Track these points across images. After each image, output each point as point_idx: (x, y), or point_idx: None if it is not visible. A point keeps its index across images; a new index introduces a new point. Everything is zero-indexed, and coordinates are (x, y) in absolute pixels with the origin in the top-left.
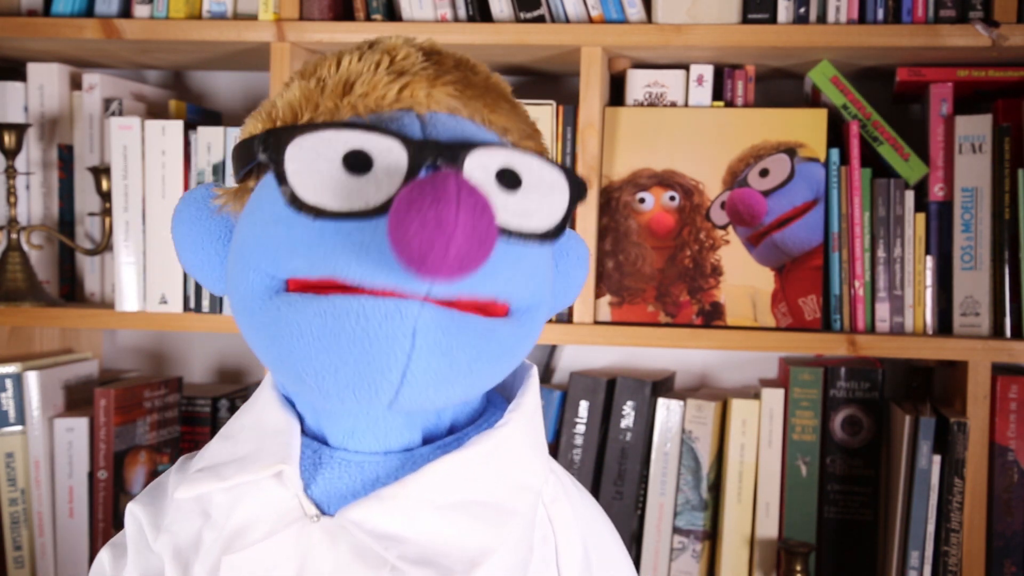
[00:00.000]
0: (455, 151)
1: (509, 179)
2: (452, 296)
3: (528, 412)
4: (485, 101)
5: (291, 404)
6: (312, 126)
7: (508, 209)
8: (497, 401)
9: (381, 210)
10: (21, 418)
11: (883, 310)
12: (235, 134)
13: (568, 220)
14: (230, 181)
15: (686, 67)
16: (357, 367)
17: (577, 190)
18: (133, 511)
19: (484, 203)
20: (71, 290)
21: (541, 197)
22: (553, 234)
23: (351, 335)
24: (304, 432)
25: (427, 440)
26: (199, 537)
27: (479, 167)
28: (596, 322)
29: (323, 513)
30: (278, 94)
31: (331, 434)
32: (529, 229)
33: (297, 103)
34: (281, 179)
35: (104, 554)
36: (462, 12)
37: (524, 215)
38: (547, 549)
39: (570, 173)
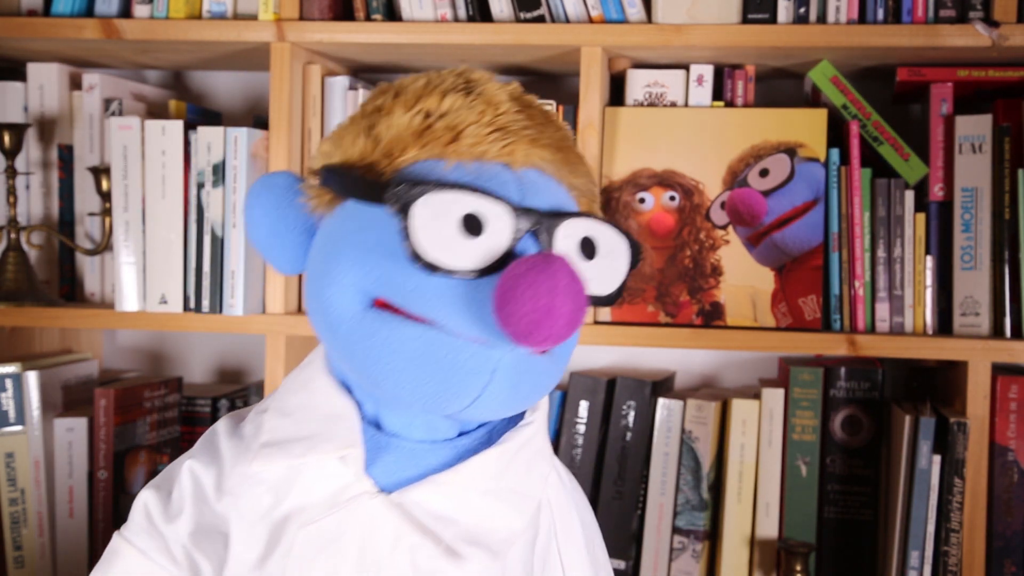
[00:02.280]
0: (550, 221)
1: (588, 248)
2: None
3: (543, 414)
4: (569, 161)
5: (347, 388)
6: (438, 185)
7: (584, 275)
8: None
9: (485, 272)
10: (21, 418)
11: (883, 310)
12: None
13: (627, 280)
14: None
15: (686, 67)
16: (437, 388)
17: (636, 257)
18: (194, 468)
19: (581, 287)
20: (71, 290)
21: (609, 264)
22: (614, 298)
23: (440, 362)
24: (360, 416)
25: (462, 433)
26: (263, 505)
27: (567, 236)
28: (596, 322)
29: (380, 492)
30: (375, 111)
31: (387, 422)
32: (597, 294)
33: (404, 136)
34: (405, 233)
35: (148, 495)
36: (462, 12)
37: (596, 282)
38: (547, 524)
39: (630, 236)
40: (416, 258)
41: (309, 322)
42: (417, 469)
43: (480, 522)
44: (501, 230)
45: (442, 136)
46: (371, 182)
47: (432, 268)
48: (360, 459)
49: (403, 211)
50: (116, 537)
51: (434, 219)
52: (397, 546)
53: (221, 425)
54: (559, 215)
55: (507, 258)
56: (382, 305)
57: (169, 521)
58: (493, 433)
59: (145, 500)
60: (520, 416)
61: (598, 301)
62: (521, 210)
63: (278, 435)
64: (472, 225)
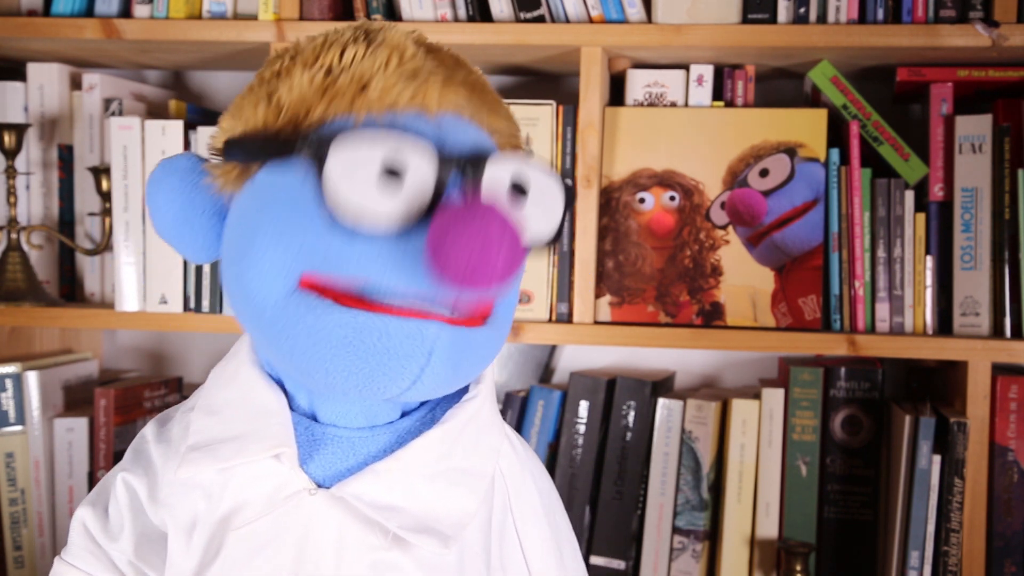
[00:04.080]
0: (475, 164)
1: (517, 191)
2: (472, 308)
3: (488, 383)
4: (487, 103)
5: (276, 381)
6: (352, 134)
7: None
8: None
9: (414, 224)
10: (21, 418)
11: (883, 310)
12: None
13: (563, 225)
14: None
15: (686, 67)
16: (372, 374)
17: (570, 196)
18: (127, 480)
19: (515, 229)
20: (71, 290)
21: (543, 205)
22: (553, 241)
23: (371, 349)
24: (292, 408)
25: (404, 414)
26: (198, 512)
27: (494, 179)
28: (596, 322)
29: (319, 487)
30: (273, 76)
31: (322, 413)
32: (533, 235)
33: (307, 94)
34: (321, 192)
35: (85, 512)
36: (462, 12)
37: (531, 224)
38: (502, 497)
39: (562, 180)
40: (336, 217)
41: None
42: (357, 459)
43: (429, 507)
44: (424, 177)
45: (348, 90)
46: (278, 145)
47: (355, 225)
48: (293, 456)
49: (317, 169)
50: (57, 562)
51: (350, 172)
52: (341, 543)
53: (149, 430)
54: (483, 157)
55: (434, 207)
56: (308, 286)
57: (112, 540)
58: (436, 410)
59: (83, 518)
60: (465, 389)
61: (536, 244)
62: (443, 158)
63: (205, 436)
64: (392, 174)
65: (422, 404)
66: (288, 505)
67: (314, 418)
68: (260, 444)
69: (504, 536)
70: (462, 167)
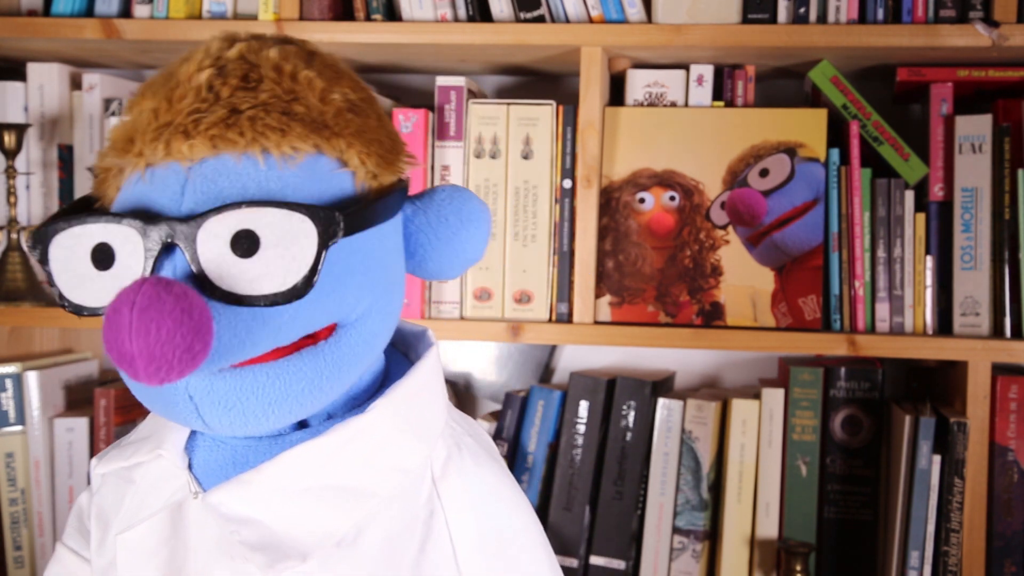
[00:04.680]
0: (187, 228)
1: (247, 242)
2: (225, 364)
3: (400, 397)
4: (253, 132)
5: None
6: (64, 222)
7: (246, 275)
8: (399, 371)
9: None
10: (21, 418)
11: (883, 310)
12: None
13: (320, 263)
14: None
15: (686, 67)
16: (175, 419)
17: (327, 229)
18: (95, 466)
19: (160, 314)
20: None
21: (284, 251)
22: (301, 290)
23: (160, 402)
24: None
25: (303, 425)
26: (121, 504)
27: (212, 237)
28: (596, 322)
29: (203, 490)
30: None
31: None
32: (268, 293)
33: (107, 152)
34: (50, 281)
35: (83, 497)
36: (462, 12)
37: (261, 280)
38: (437, 524)
39: (316, 212)
40: (62, 301)
41: None
42: (235, 468)
43: (285, 525)
44: (132, 254)
45: (122, 147)
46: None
47: (77, 310)
48: (175, 458)
49: (44, 262)
50: (58, 545)
51: (67, 260)
52: (213, 549)
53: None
54: (197, 217)
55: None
56: None
57: (90, 519)
58: (332, 425)
59: (79, 502)
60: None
61: (278, 298)
62: (149, 228)
63: (134, 436)
64: (104, 257)
65: (330, 418)
66: (177, 507)
67: None
68: (150, 444)
69: (432, 565)
70: (171, 234)
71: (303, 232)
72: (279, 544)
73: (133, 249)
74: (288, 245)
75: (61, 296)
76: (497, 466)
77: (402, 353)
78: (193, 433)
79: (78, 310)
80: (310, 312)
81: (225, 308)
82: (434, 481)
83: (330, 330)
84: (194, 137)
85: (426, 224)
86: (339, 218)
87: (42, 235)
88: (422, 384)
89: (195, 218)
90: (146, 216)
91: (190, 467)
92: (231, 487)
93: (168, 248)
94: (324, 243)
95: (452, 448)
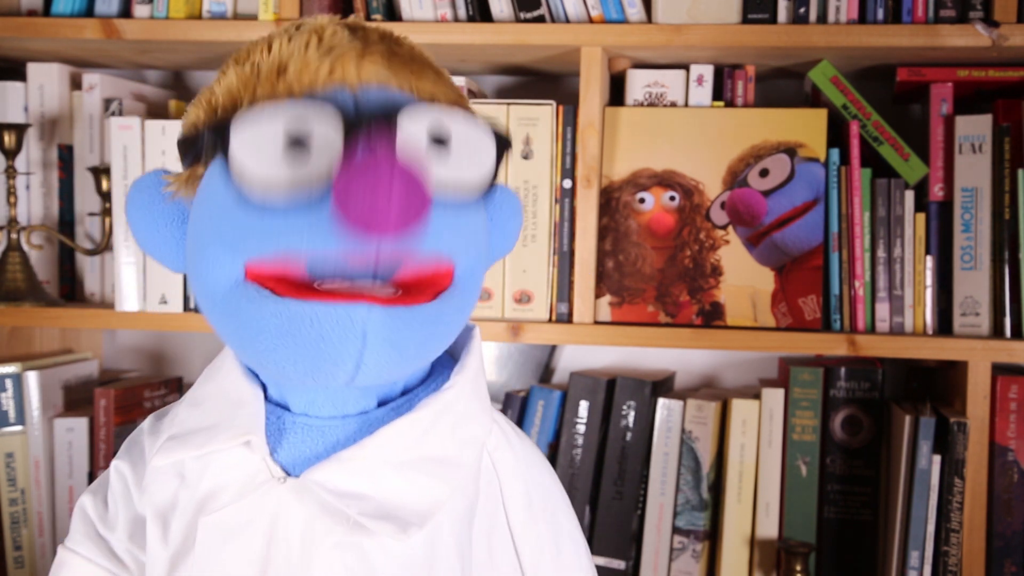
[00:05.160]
0: (385, 118)
1: (439, 140)
2: (399, 266)
3: (471, 373)
4: (412, 69)
5: (254, 374)
6: (251, 110)
7: (441, 168)
8: (443, 359)
9: (324, 189)
10: (21, 418)
11: (883, 310)
12: None
13: (496, 173)
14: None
15: (686, 67)
16: (314, 363)
17: (502, 143)
18: (119, 468)
19: (413, 165)
20: (71, 290)
21: (470, 154)
22: (485, 187)
23: (307, 337)
24: (267, 399)
25: (382, 403)
26: (175, 499)
27: (410, 132)
28: (596, 322)
29: (288, 475)
30: (216, 81)
31: (293, 402)
32: (462, 184)
33: (235, 89)
34: (229, 166)
35: (86, 500)
36: (462, 12)
37: (456, 171)
38: (493, 491)
39: (494, 128)
40: (246, 195)
41: None
42: (326, 448)
43: (394, 495)
44: (330, 142)
45: (269, 77)
46: (203, 140)
47: (264, 200)
48: (261, 444)
49: (224, 152)
50: (60, 550)
51: (253, 149)
52: (307, 530)
53: (146, 422)
54: (393, 111)
55: None
56: (253, 276)
57: (110, 529)
58: (416, 401)
59: (83, 506)
60: (447, 378)
61: (470, 191)
62: (350, 117)
63: (186, 426)
64: (298, 143)
65: (404, 393)
66: (258, 493)
67: (288, 408)
68: (229, 432)
69: (494, 531)
70: (371, 126)
71: (484, 140)
72: (395, 513)
73: (333, 136)
74: (474, 149)
75: (243, 183)
76: (527, 438)
77: None
78: (271, 419)
79: (264, 197)
80: (455, 231)
81: None
82: (489, 453)
83: (450, 277)
84: (363, 60)
85: (487, 207)
86: (508, 138)
87: (225, 122)
88: (481, 360)
89: (390, 112)
90: (342, 110)
91: (272, 453)
92: (332, 465)
93: (368, 138)
94: (500, 153)
95: (496, 423)
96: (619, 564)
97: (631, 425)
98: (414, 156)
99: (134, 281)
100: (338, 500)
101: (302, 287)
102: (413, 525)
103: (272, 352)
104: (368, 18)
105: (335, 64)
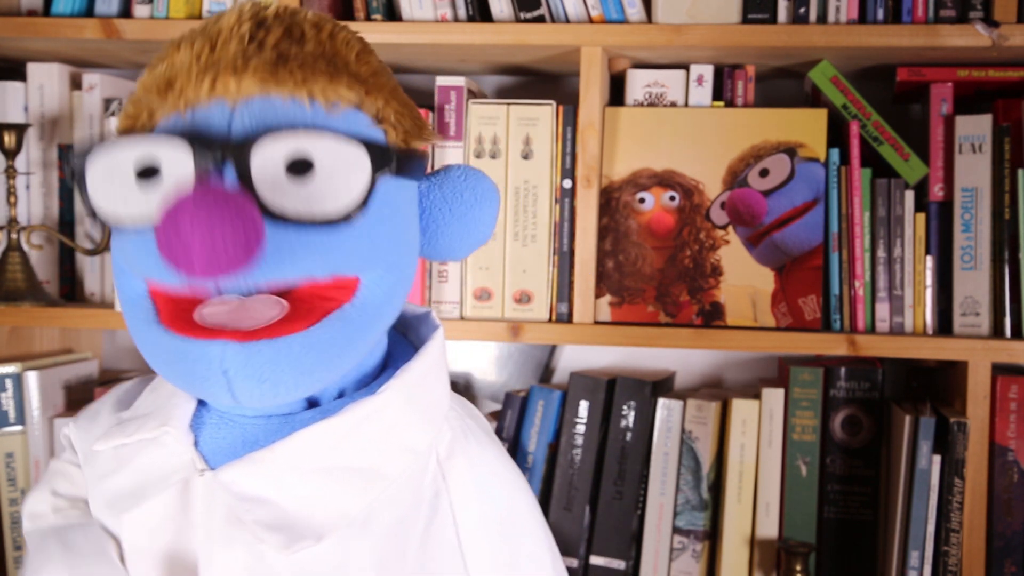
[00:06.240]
0: (239, 149)
1: (300, 167)
2: (256, 292)
3: (414, 377)
4: (305, 74)
5: None
6: (107, 145)
7: (298, 196)
8: (402, 352)
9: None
10: (21, 418)
11: (883, 310)
12: None
13: (372, 194)
14: None
15: (686, 67)
16: (196, 390)
17: (381, 160)
18: (68, 434)
19: (243, 200)
20: (71, 290)
21: (338, 178)
22: (351, 214)
23: (180, 369)
24: None
25: (313, 404)
26: (113, 481)
27: (267, 160)
28: (596, 322)
29: (210, 468)
30: (139, 80)
31: None
32: (320, 214)
33: (141, 100)
34: (84, 197)
35: (71, 430)
36: (462, 12)
37: (313, 200)
38: (441, 503)
39: (370, 144)
40: (94, 216)
41: None
42: (245, 445)
43: (297, 504)
44: (182, 172)
45: (160, 92)
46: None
47: (117, 225)
48: (181, 435)
49: (81, 183)
50: (52, 462)
51: (108, 176)
52: (211, 528)
53: (114, 392)
54: (247, 141)
55: None
56: (153, 294)
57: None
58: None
59: (67, 434)
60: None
61: (332, 220)
62: (201, 148)
63: (136, 412)
64: (149, 173)
65: (340, 395)
66: (176, 487)
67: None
68: (154, 422)
69: (440, 545)
70: (224, 153)
71: (357, 162)
72: (293, 524)
73: (183, 168)
74: (342, 172)
75: (93, 212)
76: (498, 449)
77: (402, 335)
78: (199, 410)
79: (117, 222)
80: (346, 249)
81: (273, 224)
82: (439, 463)
83: (352, 291)
84: (243, 74)
85: (441, 199)
86: (392, 154)
87: (84, 152)
88: (430, 365)
89: (250, 139)
90: (196, 138)
91: (195, 445)
92: (243, 465)
93: (219, 166)
94: (375, 174)
95: (456, 430)
96: (619, 564)
97: (631, 425)
98: (260, 186)
99: None
100: (239, 503)
101: (180, 313)
102: (307, 539)
103: (162, 373)
104: (368, 18)
105: (217, 78)
